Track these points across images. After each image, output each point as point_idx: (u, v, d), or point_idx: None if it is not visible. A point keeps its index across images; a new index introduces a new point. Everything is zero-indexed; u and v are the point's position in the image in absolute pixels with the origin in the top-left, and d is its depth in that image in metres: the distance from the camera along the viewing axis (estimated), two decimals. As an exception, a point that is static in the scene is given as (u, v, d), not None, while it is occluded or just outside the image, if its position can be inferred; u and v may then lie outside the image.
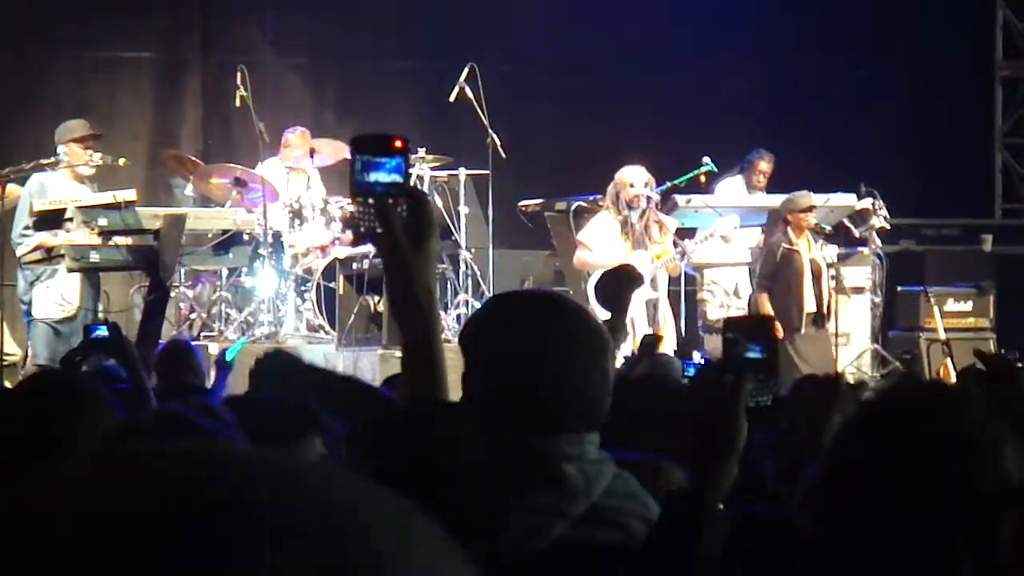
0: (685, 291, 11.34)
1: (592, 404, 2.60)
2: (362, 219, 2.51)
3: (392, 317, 2.56)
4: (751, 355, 2.76)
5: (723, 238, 11.10)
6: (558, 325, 2.62)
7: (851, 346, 12.01)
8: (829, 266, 11.35)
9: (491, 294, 10.34)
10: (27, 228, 10.14)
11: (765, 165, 12.56)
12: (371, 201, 2.51)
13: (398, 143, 2.54)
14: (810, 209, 11.09)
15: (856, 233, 12.05)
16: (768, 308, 10.95)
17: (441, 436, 2.42)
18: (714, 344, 11.75)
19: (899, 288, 12.59)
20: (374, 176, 2.52)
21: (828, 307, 11.13)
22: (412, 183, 2.56)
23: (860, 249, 12.12)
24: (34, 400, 3.16)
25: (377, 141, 2.57)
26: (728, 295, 12.14)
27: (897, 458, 2.18)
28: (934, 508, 2.13)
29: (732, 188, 12.54)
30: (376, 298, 11.12)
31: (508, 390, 2.52)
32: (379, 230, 2.50)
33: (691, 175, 12.12)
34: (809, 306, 10.99)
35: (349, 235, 11.35)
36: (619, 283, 4.89)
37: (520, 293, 2.59)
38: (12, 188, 10.40)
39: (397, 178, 2.52)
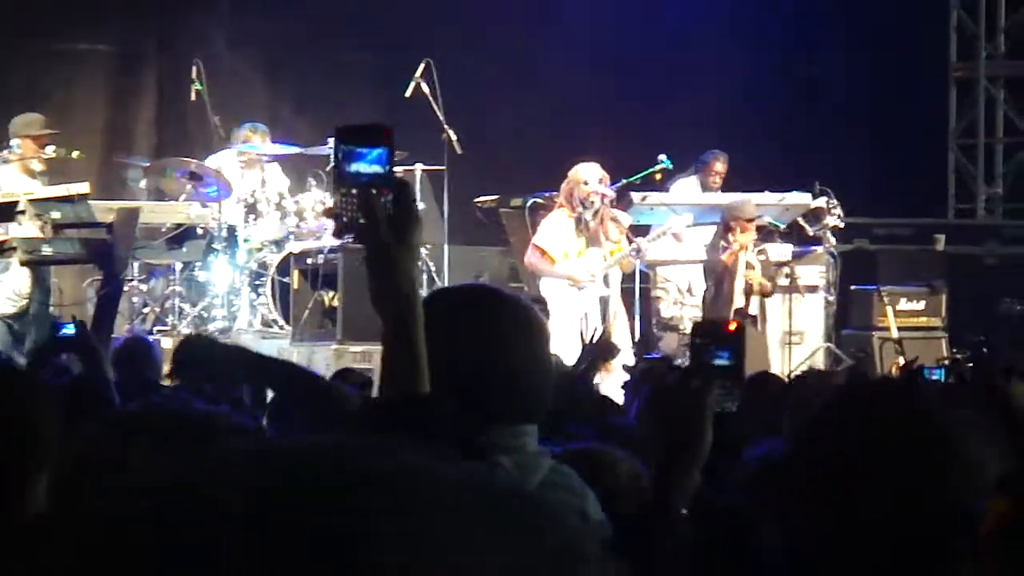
0: (639, 289, 11.35)
1: (529, 396, 2.61)
2: (345, 210, 2.49)
3: (374, 309, 2.55)
4: (719, 362, 2.77)
5: (675, 236, 11.14)
6: (494, 317, 2.64)
7: (804, 345, 12.05)
8: (782, 264, 11.41)
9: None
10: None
11: (720, 166, 12.57)
12: (354, 192, 2.49)
13: (383, 133, 2.52)
14: (751, 220, 11.09)
15: (810, 232, 12.10)
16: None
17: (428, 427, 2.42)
18: (667, 342, 11.81)
19: (852, 287, 12.65)
20: (357, 166, 2.49)
21: (757, 307, 11.12)
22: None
23: (814, 248, 12.17)
24: None
25: (361, 131, 2.54)
26: (682, 293, 12.16)
27: (889, 461, 2.17)
28: (933, 510, 2.13)
29: (687, 188, 12.56)
30: (331, 293, 11.09)
31: (444, 382, 2.52)
32: (362, 221, 2.48)
33: (647, 173, 12.15)
34: (738, 302, 11.02)
35: (302, 229, 11.35)
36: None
37: (456, 286, 2.60)
38: None
39: (381, 169, 2.49)
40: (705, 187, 12.58)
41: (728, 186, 12.30)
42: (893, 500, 2.14)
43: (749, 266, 11.03)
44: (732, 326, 2.90)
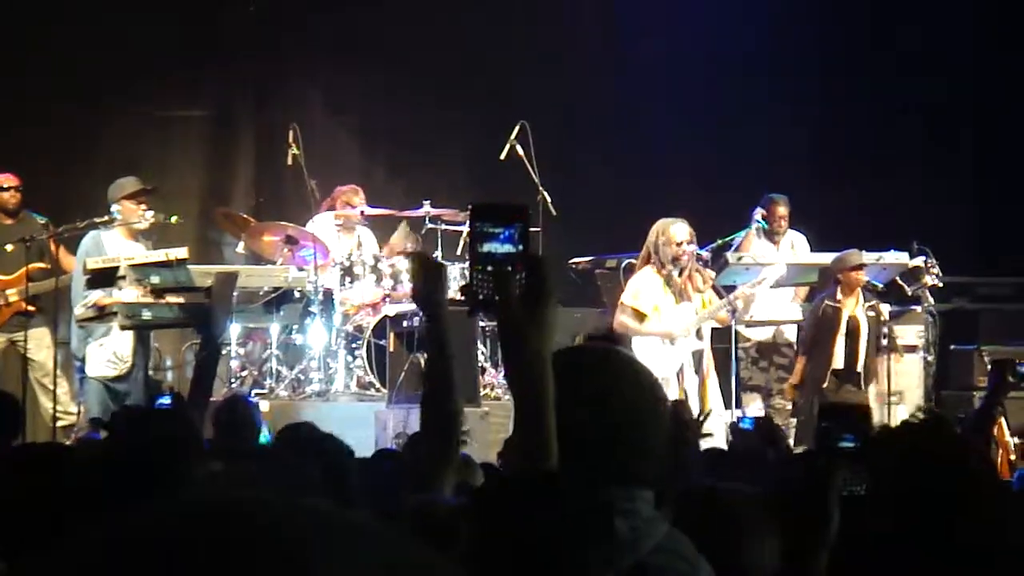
0: (717, 348, 11.20)
1: (645, 458, 2.59)
2: (480, 287, 2.51)
3: (507, 385, 2.58)
4: (845, 444, 2.76)
5: (746, 297, 10.90)
6: (613, 378, 2.61)
7: (904, 405, 11.91)
8: (883, 324, 11.29)
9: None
10: (83, 287, 10.20)
11: (783, 209, 12.38)
12: (489, 269, 2.51)
13: (517, 211, 2.55)
14: (860, 267, 11.07)
15: (908, 291, 11.98)
16: (798, 371, 11.17)
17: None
18: (747, 403, 11.74)
19: (952, 347, 12.49)
20: (492, 245, 2.52)
21: (866, 366, 11.06)
22: (526, 250, 2.55)
23: (913, 307, 12.05)
24: None
25: (495, 210, 2.57)
26: (761, 353, 12.10)
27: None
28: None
29: (741, 239, 12.37)
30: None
31: (562, 444, 2.51)
32: (496, 298, 2.49)
33: (743, 233, 12.11)
34: (837, 362, 10.95)
35: (399, 292, 11.39)
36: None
37: (573, 348, 2.60)
38: (67, 260, 10.56)
39: (513, 248, 2.51)
40: (771, 235, 12.40)
41: (826, 244, 12.12)
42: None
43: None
44: (858, 410, 2.89)
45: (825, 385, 10.95)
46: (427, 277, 3.41)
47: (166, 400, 5.43)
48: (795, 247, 12.44)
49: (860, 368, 11.06)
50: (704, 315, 10.63)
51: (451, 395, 3.46)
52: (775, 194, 12.44)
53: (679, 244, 10.51)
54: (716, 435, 9.96)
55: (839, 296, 11.05)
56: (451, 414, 3.47)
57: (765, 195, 12.45)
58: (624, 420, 2.59)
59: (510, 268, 2.49)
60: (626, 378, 2.65)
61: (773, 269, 11.13)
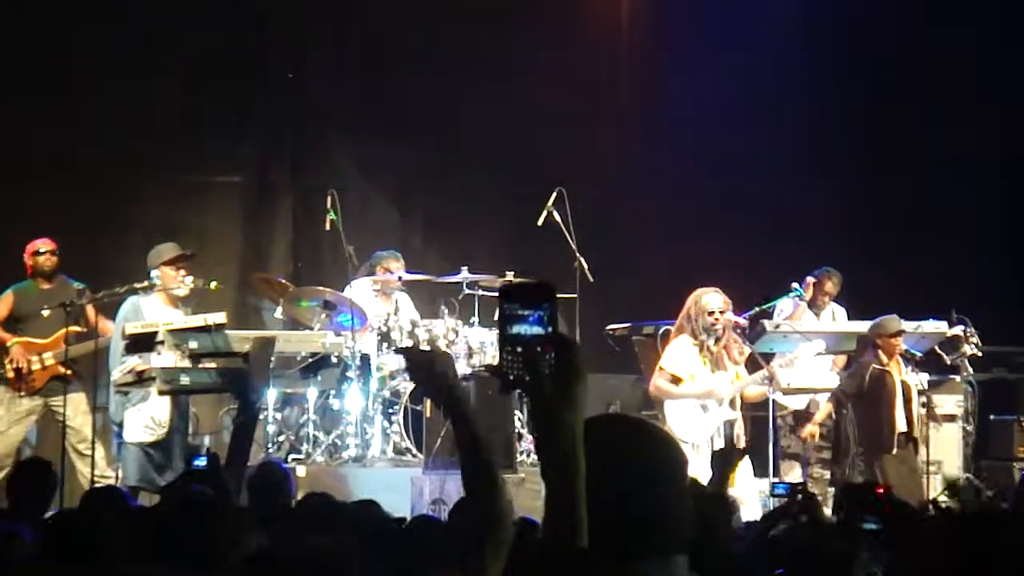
0: (752, 416, 11.13)
1: (677, 528, 2.58)
2: (510, 367, 2.53)
3: (538, 460, 2.57)
4: (868, 526, 2.77)
5: (786, 364, 10.89)
6: (636, 449, 2.62)
7: (941, 474, 11.83)
8: (920, 393, 11.23)
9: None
10: (122, 352, 10.23)
11: (831, 286, 12.31)
12: (519, 349, 2.53)
13: (545, 292, 2.57)
14: (899, 334, 11.04)
15: (947, 360, 11.93)
16: (825, 411, 11.25)
17: None
18: (787, 470, 11.67)
19: (992, 416, 12.43)
20: (521, 327, 2.54)
21: (918, 430, 11.04)
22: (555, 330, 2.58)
23: (951, 377, 12.00)
24: None
25: (524, 291, 2.60)
26: (798, 421, 12.02)
27: None
28: None
29: (790, 310, 12.29)
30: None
31: (592, 517, 2.51)
32: (527, 378, 2.51)
33: (778, 300, 12.07)
34: (900, 426, 10.91)
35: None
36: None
37: (597, 418, 2.59)
38: (105, 325, 10.59)
39: (543, 329, 2.54)
40: (814, 306, 12.33)
41: (864, 312, 12.05)
42: None
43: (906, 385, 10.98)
44: (881, 490, 2.90)
45: (894, 451, 10.86)
46: (425, 371, 3.28)
47: (202, 461, 5.41)
48: (836, 318, 12.40)
49: (916, 433, 11.01)
50: (740, 385, 10.59)
51: (484, 451, 3.40)
52: (830, 268, 12.36)
53: (711, 313, 10.50)
54: (750, 504, 9.93)
55: (883, 360, 11.01)
56: (489, 464, 3.41)
57: (822, 267, 12.35)
58: (656, 493, 2.59)
59: (539, 349, 2.51)
60: (653, 450, 2.66)
61: (811, 346, 11.02)
